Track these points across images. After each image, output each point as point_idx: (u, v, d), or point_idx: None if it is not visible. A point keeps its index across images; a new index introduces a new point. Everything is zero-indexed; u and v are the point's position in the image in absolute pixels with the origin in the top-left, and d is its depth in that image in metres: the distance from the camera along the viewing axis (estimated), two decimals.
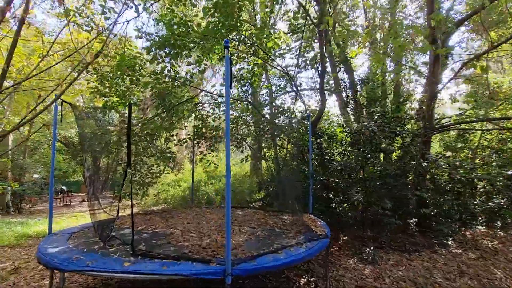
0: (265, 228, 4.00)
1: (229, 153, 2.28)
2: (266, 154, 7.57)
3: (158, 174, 6.97)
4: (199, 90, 7.02)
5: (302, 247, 2.90)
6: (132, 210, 2.76)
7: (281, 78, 7.57)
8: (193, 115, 6.42)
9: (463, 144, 7.25)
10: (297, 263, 2.82)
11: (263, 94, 7.50)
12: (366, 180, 5.17)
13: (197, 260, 2.38)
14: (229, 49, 2.46)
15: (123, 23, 6.52)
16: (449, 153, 7.52)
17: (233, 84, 7.51)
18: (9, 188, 11.10)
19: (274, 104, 6.37)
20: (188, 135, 6.64)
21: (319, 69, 5.47)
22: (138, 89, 6.23)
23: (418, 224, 5.98)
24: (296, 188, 5.00)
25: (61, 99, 3.80)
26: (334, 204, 5.51)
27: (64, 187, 15.83)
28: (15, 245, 6.30)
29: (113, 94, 5.98)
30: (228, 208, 2.24)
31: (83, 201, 15.59)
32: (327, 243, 3.29)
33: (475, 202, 5.30)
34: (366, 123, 4.43)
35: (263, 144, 7.99)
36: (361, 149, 4.80)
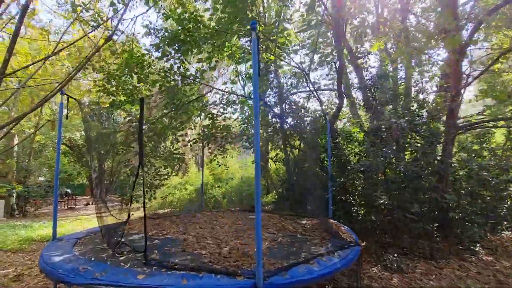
0: (285, 233, 3.69)
1: (258, 149, 2.00)
2: (277, 155, 7.27)
3: (166, 176, 6.72)
4: (209, 88, 6.76)
5: (335, 257, 2.59)
6: (144, 214, 2.47)
7: (292, 77, 7.28)
8: (203, 114, 6.16)
9: (485, 145, 6.86)
10: (332, 274, 2.50)
11: (274, 94, 7.21)
12: (389, 182, 4.84)
13: (221, 273, 2.08)
14: (254, 33, 2.19)
15: (131, 19, 6.34)
16: (464, 154, 7.13)
17: (243, 83, 7.33)
18: (14, 191, 10.92)
19: (288, 101, 6.07)
20: (199, 134, 6.36)
21: (337, 65, 5.17)
22: (146, 87, 6.01)
23: (439, 229, 5.61)
24: (315, 190, 4.68)
25: (67, 95, 3.56)
26: (354, 208, 5.18)
27: (68, 190, 15.66)
28: (18, 249, 6.06)
29: (120, 93, 5.76)
30: (258, 212, 1.94)
31: (88, 204, 15.41)
32: (359, 251, 2.97)
33: (506, 205, 4.93)
34: (394, 120, 4.11)
35: (273, 146, 7.69)
36: (384, 149, 4.48)
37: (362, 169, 4.34)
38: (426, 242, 5.37)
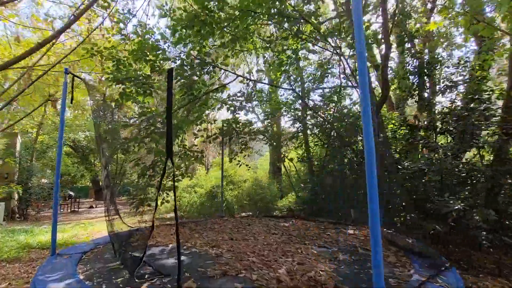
0: (341, 248, 2.93)
1: (371, 134, 1.29)
2: (302, 154, 6.56)
3: (180, 177, 6.00)
4: (227, 80, 6.06)
5: (442, 285, 1.84)
6: (177, 224, 1.75)
7: (319, 68, 6.57)
8: (225, 107, 5.43)
9: None
10: None
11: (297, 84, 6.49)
12: (447, 184, 4.08)
13: None
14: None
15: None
16: None
17: (270, 73, 6.63)
18: (14, 192, 10.27)
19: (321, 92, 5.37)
20: (218, 129, 5.65)
21: (383, 46, 4.47)
22: (159, 76, 5.35)
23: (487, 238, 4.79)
24: (359, 194, 3.93)
25: (71, 73, 2.88)
26: (402, 214, 4.41)
27: (71, 193, 15.00)
28: (15, 258, 5.37)
29: (132, 81, 5.10)
30: (377, 223, 1.22)
31: (91, 207, 14.75)
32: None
33: None
34: (472, 106, 3.37)
35: (299, 143, 6.97)
36: (445, 143, 3.73)
37: (423, 168, 3.59)
38: (477, 253, 4.58)
